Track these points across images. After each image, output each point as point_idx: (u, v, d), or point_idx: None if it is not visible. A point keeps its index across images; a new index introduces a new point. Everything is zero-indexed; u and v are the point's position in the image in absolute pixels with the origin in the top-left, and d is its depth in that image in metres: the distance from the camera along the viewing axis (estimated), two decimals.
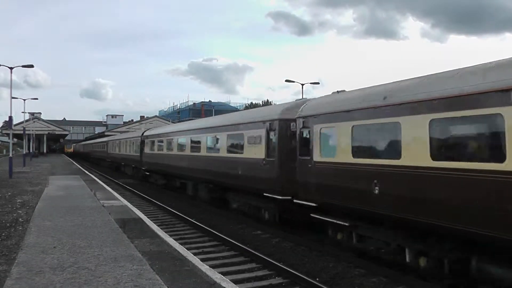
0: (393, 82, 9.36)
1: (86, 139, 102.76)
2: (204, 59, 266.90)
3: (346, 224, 9.74)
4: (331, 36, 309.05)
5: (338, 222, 9.95)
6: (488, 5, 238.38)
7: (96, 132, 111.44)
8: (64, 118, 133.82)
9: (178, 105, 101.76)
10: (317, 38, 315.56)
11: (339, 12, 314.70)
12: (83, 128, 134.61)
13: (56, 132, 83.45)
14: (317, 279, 8.52)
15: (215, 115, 42.28)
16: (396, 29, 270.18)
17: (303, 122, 11.41)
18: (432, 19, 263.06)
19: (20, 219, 11.94)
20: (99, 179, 28.42)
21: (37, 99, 51.05)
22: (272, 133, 13.01)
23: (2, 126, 73.00)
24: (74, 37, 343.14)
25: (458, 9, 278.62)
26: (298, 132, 11.66)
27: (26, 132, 58.70)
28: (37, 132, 72.34)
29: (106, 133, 75.88)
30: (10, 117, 32.83)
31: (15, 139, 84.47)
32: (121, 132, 65.20)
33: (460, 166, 6.89)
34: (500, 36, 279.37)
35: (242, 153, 14.82)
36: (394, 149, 8.34)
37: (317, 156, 10.66)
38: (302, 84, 38.56)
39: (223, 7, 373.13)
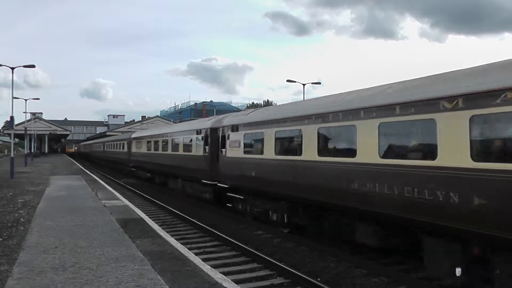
0: None
1: (88, 139, 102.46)
2: (203, 59, 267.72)
3: None
4: (330, 36, 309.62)
5: None
6: (487, 5, 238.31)
7: (97, 132, 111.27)
8: (66, 118, 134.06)
9: (180, 105, 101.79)
10: (316, 38, 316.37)
11: (337, 12, 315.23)
12: (85, 128, 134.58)
13: (58, 132, 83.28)
14: (319, 279, 8.52)
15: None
16: (395, 29, 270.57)
17: None
18: (431, 19, 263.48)
19: (21, 219, 11.94)
20: (100, 179, 28.42)
21: (38, 99, 50.57)
22: None
23: (3, 126, 72.91)
24: (74, 37, 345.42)
25: (457, 9, 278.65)
26: None
27: (28, 132, 58.72)
28: (38, 132, 72.25)
29: (108, 133, 75.53)
30: (12, 117, 32.86)
31: (16, 139, 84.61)
32: (122, 132, 63.47)
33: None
34: (499, 36, 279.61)
35: None
36: None
37: None
38: (304, 84, 38.60)
39: (222, 7, 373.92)
